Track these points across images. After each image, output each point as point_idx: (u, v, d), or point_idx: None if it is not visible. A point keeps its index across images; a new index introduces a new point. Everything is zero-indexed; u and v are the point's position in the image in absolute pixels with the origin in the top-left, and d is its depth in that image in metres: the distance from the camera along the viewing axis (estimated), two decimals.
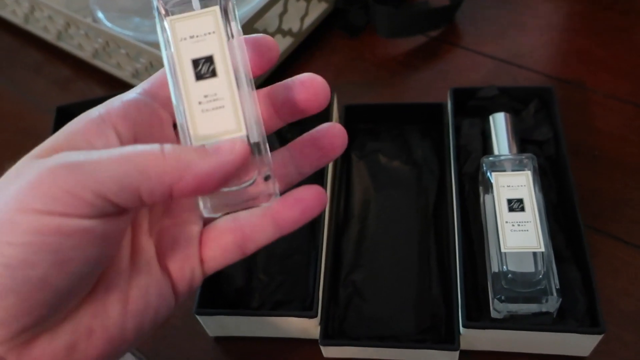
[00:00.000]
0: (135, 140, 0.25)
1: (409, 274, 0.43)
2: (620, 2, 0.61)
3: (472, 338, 0.38)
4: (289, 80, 0.26)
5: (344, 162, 0.49)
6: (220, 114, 0.24)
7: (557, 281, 0.37)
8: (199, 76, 0.25)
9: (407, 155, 0.49)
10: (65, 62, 0.65)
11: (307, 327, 0.40)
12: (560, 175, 0.44)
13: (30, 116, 0.62)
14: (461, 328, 0.37)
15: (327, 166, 0.46)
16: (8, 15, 0.67)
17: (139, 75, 0.57)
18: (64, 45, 0.63)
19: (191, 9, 0.25)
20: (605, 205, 0.46)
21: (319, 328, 0.39)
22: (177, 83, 0.25)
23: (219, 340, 0.43)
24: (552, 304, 0.37)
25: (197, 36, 0.25)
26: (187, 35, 0.25)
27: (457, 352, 0.38)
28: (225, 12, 0.25)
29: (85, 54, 0.61)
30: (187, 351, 0.43)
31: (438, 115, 0.50)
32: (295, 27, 0.59)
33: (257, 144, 0.25)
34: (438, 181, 0.47)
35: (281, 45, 0.58)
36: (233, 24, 0.26)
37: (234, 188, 0.25)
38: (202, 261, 0.27)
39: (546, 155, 0.46)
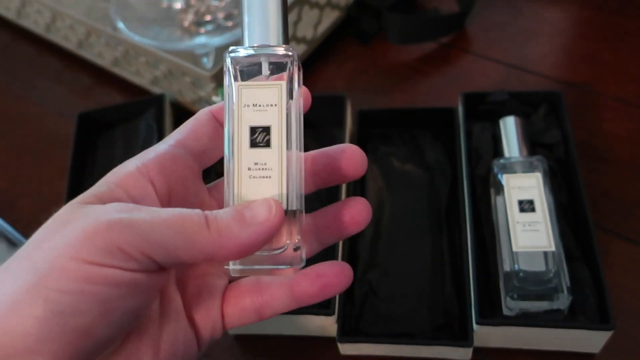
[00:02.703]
0: (170, 191, 0.27)
1: (423, 273, 0.44)
2: (628, 7, 0.62)
3: (485, 335, 0.39)
4: (330, 149, 0.29)
5: None
6: (266, 183, 0.26)
7: (567, 279, 0.38)
8: (254, 144, 0.26)
9: (419, 159, 0.51)
10: (85, 70, 0.67)
11: (324, 325, 0.41)
12: (570, 177, 0.45)
13: (51, 123, 0.64)
14: (474, 325, 0.38)
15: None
16: (30, 25, 0.69)
17: (158, 82, 0.58)
18: (84, 53, 0.65)
19: (259, 72, 0.27)
20: (614, 206, 0.47)
21: (336, 326, 0.40)
22: (231, 143, 0.27)
23: (239, 338, 0.44)
24: (563, 301, 0.38)
25: (259, 105, 0.27)
26: (250, 103, 0.27)
27: (471, 349, 0.39)
28: (290, 81, 0.27)
29: (105, 62, 0.63)
30: (208, 349, 0.44)
31: (449, 119, 0.51)
32: (309, 35, 0.60)
33: (294, 212, 0.26)
34: (450, 183, 0.48)
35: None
36: (296, 90, 0.27)
37: (264, 253, 0.26)
38: (223, 316, 0.28)
39: (556, 158, 0.48)
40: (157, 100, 0.57)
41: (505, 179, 0.43)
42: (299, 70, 0.27)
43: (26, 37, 0.72)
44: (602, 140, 0.52)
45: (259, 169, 0.26)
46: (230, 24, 0.62)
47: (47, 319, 0.22)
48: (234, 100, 0.27)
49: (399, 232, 0.46)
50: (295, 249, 0.26)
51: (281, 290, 0.28)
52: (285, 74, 0.27)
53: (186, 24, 0.63)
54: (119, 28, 0.58)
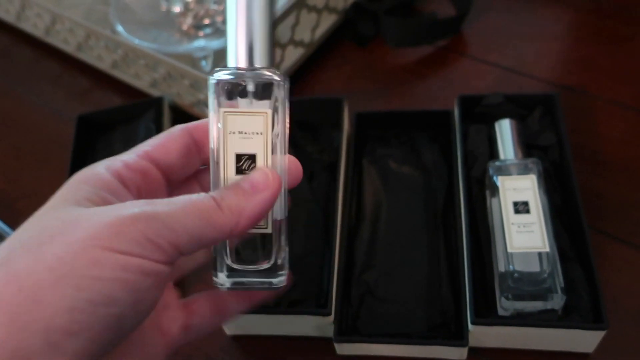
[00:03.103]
0: (138, 192, 0.28)
1: (420, 273, 0.44)
2: (623, 11, 0.63)
3: (481, 335, 0.40)
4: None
5: (355, 168, 0.51)
6: None
7: (561, 280, 0.39)
8: (239, 170, 0.28)
9: (416, 161, 0.51)
10: (84, 72, 0.67)
11: (321, 325, 0.41)
12: (565, 179, 0.46)
13: (51, 125, 0.64)
14: (470, 325, 0.39)
15: (339, 172, 0.48)
16: (30, 28, 0.70)
17: (157, 85, 0.59)
18: (84, 56, 0.66)
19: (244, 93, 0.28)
20: (608, 207, 0.48)
21: (332, 326, 0.41)
22: (217, 168, 0.28)
23: (236, 338, 0.44)
24: (557, 301, 0.38)
25: (245, 133, 0.28)
26: (236, 130, 0.27)
27: (466, 349, 0.39)
28: (276, 111, 0.28)
29: (104, 65, 0.64)
30: (206, 349, 0.45)
31: (446, 121, 0.51)
32: (307, 38, 0.61)
33: (281, 222, 0.28)
34: (446, 185, 0.49)
35: (293, 55, 0.60)
36: (280, 115, 0.28)
37: (250, 267, 0.28)
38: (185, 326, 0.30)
39: (551, 160, 0.48)
40: (156, 103, 0.57)
41: (501, 181, 0.44)
42: (286, 93, 0.28)
43: (26, 40, 0.72)
44: (597, 143, 0.52)
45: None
46: None
47: (77, 310, 0.21)
48: (220, 126, 0.27)
49: (396, 233, 0.47)
50: (280, 265, 0.28)
51: (206, 308, 0.31)
52: (270, 102, 0.27)
53: (185, 27, 0.63)
54: (118, 31, 0.59)
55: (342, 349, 0.41)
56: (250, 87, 0.27)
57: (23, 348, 0.21)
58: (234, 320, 0.43)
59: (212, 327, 0.32)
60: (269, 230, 0.28)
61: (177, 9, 0.64)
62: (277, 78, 0.27)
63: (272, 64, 0.28)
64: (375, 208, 0.48)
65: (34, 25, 0.69)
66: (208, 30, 0.63)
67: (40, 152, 0.61)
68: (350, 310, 0.43)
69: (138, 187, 0.28)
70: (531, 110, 0.51)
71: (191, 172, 0.31)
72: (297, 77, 0.62)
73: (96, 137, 0.58)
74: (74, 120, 0.58)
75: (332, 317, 0.40)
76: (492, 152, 0.48)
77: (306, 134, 0.53)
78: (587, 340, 0.39)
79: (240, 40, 0.28)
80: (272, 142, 0.28)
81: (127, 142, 0.56)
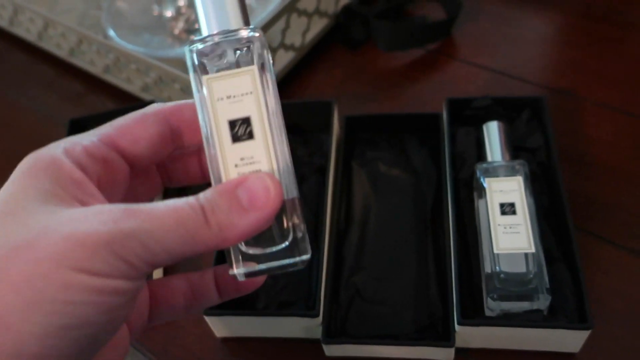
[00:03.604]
0: (99, 183, 0.25)
1: (408, 275, 0.45)
2: (612, 14, 0.64)
3: (467, 335, 0.40)
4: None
5: (345, 171, 0.51)
6: None
7: (547, 280, 0.39)
8: (236, 138, 0.25)
9: (405, 163, 0.51)
10: (77, 77, 0.68)
11: (310, 326, 0.41)
12: (551, 180, 0.46)
13: (44, 130, 0.64)
14: (456, 325, 0.39)
15: (329, 175, 0.48)
16: (22, 32, 0.70)
17: (149, 89, 0.59)
18: (76, 61, 0.66)
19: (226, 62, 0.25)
20: (596, 209, 0.48)
21: (321, 328, 0.41)
22: (212, 142, 0.25)
23: (226, 341, 0.45)
24: (543, 302, 0.39)
25: (234, 96, 0.25)
26: (224, 96, 0.25)
27: (453, 349, 0.40)
28: (262, 68, 0.25)
29: (96, 70, 0.64)
30: (196, 351, 0.45)
31: (435, 124, 0.52)
32: (297, 42, 0.61)
33: (292, 200, 0.25)
34: (435, 187, 0.49)
35: (284, 59, 0.60)
36: (269, 77, 0.25)
37: (269, 250, 0.25)
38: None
39: (538, 162, 0.48)
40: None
41: (488, 183, 0.44)
42: (267, 50, 0.25)
43: (19, 45, 0.72)
44: (586, 145, 0.53)
45: (247, 164, 0.24)
46: None
47: (49, 336, 0.20)
48: (205, 94, 0.25)
49: (385, 236, 0.47)
50: (301, 239, 0.25)
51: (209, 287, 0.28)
52: (254, 57, 0.25)
53: (177, 31, 0.63)
54: (110, 36, 0.59)
55: (331, 350, 0.41)
56: (230, 53, 0.25)
57: None
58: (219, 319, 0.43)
59: (184, 314, 0.29)
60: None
61: (169, 13, 0.65)
62: (257, 34, 0.25)
63: (248, 22, 0.26)
64: (364, 211, 0.49)
65: (26, 30, 0.69)
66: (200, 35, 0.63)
67: None
68: (339, 312, 0.43)
69: (99, 176, 0.25)
70: (519, 112, 0.51)
71: (160, 160, 0.28)
72: (288, 81, 0.63)
73: None
74: (67, 125, 0.58)
75: (320, 319, 0.41)
76: (480, 154, 0.49)
77: (296, 138, 0.54)
78: (572, 340, 0.39)
79: (210, 4, 0.26)
80: (265, 100, 0.25)
81: None
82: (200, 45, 0.25)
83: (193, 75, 0.25)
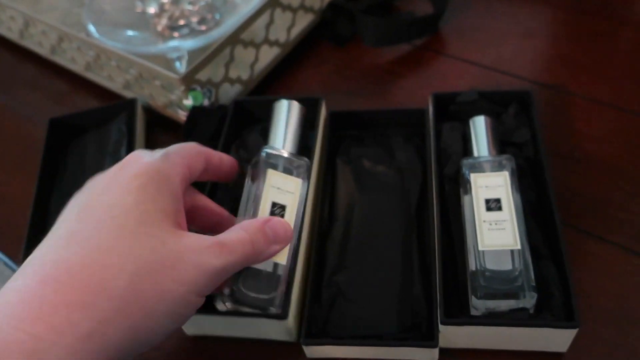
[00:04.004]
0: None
1: (392, 274, 0.43)
2: (602, 8, 0.63)
3: (452, 335, 0.39)
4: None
5: (329, 168, 0.50)
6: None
7: (533, 278, 0.38)
8: (272, 213, 0.39)
9: (390, 160, 0.50)
10: (60, 75, 0.67)
11: (283, 328, 0.40)
12: (539, 176, 0.45)
13: (27, 129, 0.63)
14: (440, 325, 0.38)
15: (312, 171, 0.47)
16: (4, 31, 0.69)
17: (130, 87, 0.58)
18: (58, 59, 0.65)
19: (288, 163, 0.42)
20: (585, 204, 0.47)
21: (294, 330, 0.40)
22: (250, 209, 0.39)
23: (197, 339, 0.43)
24: (529, 300, 0.38)
25: (281, 189, 0.40)
26: (276, 186, 0.40)
27: (437, 350, 0.38)
28: (307, 177, 0.42)
29: (78, 68, 0.63)
30: (166, 349, 0.43)
31: (420, 120, 0.51)
32: (282, 38, 0.60)
33: (285, 267, 0.38)
34: (420, 184, 0.48)
35: (268, 55, 0.59)
36: (305, 186, 0.42)
37: (258, 296, 0.37)
38: None
39: (525, 157, 0.47)
40: (129, 105, 0.56)
41: (473, 178, 0.43)
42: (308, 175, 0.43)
43: (1, 44, 0.71)
44: (575, 140, 0.52)
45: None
46: (203, 27, 0.62)
47: (162, 335, 0.31)
48: (266, 180, 0.40)
49: (369, 234, 0.46)
50: (281, 299, 0.38)
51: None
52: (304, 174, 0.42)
53: (160, 28, 0.62)
54: (90, 32, 0.58)
55: (312, 351, 0.40)
56: (280, 165, 0.42)
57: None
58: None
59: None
60: (284, 262, 0.38)
61: (152, 10, 0.64)
62: (304, 163, 0.43)
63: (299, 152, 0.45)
64: (348, 208, 0.48)
65: (8, 28, 0.68)
66: (183, 31, 0.62)
67: (15, 157, 0.61)
68: (321, 312, 0.42)
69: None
70: (506, 107, 0.50)
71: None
72: (274, 77, 0.62)
73: (69, 141, 0.57)
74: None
75: (289, 322, 0.39)
76: (466, 149, 0.48)
77: None
78: (559, 339, 0.38)
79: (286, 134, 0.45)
80: (298, 202, 0.40)
81: (99, 146, 0.55)
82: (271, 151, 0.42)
83: (264, 164, 0.41)
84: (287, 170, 0.41)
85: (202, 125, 0.53)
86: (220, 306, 0.38)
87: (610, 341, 0.39)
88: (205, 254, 0.30)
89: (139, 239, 0.28)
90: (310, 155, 0.49)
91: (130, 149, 0.53)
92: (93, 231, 0.28)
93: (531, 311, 0.38)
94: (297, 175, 0.41)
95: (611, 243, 0.44)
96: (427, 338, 0.39)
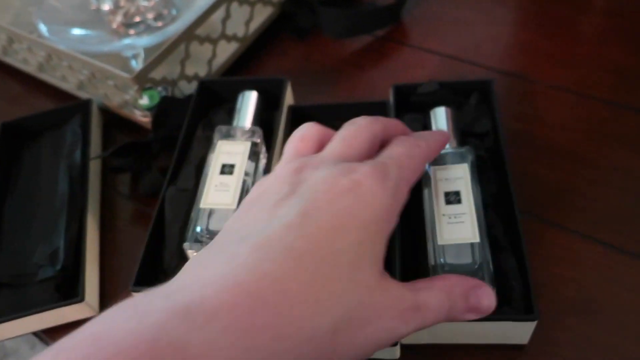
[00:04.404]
0: None
1: None
2: None
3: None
4: None
5: None
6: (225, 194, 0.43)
7: (492, 270, 0.38)
8: (222, 172, 0.43)
9: None
10: (14, 77, 0.65)
11: None
12: (499, 167, 0.45)
13: None
14: None
15: (272, 163, 0.46)
16: None
17: (84, 87, 0.56)
18: (11, 60, 0.63)
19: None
20: (546, 193, 0.46)
21: None
22: (206, 175, 0.44)
23: None
24: None
25: (230, 152, 0.44)
26: (225, 151, 0.44)
27: (398, 347, 0.38)
28: (255, 145, 0.45)
29: (31, 69, 0.61)
30: None
31: (382, 112, 0.50)
32: (241, 32, 0.59)
33: None
34: None
35: (227, 50, 0.58)
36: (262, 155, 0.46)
37: None
38: None
39: (486, 147, 0.47)
40: (84, 106, 0.55)
41: (433, 171, 0.42)
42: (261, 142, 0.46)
43: None
44: (537, 128, 0.51)
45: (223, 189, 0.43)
46: (159, 24, 0.60)
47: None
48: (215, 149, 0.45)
49: None
50: None
51: None
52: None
53: (115, 25, 0.61)
54: (41, 32, 0.56)
55: None
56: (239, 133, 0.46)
57: None
58: None
59: None
60: None
61: (106, 7, 0.62)
62: (256, 129, 0.47)
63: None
64: None
65: None
66: (139, 28, 0.60)
67: None
68: None
69: None
70: (467, 97, 0.50)
71: None
72: (234, 72, 0.60)
73: (22, 145, 0.55)
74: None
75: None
76: None
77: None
78: (520, 331, 0.37)
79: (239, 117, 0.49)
80: (247, 159, 0.45)
81: (54, 149, 0.54)
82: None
83: (216, 137, 0.47)
84: (236, 138, 0.46)
85: (172, 116, 0.51)
86: None
87: (572, 331, 0.39)
88: (399, 318, 0.27)
89: (351, 286, 0.25)
90: (273, 135, 0.48)
91: (85, 151, 0.52)
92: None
93: None
94: (245, 140, 0.45)
95: (571, 231, 0.44)
96: None
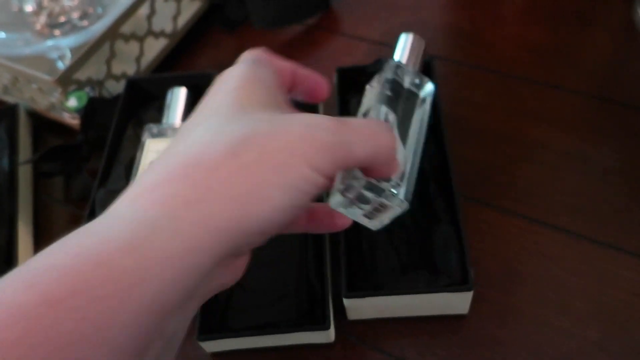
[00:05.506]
0: None
1: (289, 262, 0.43)
2: None
3: (358, 308, 0.40)
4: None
5: None
6: None
7: (412, 191, 0.35)
8: None
9: None
10: None
11: None
12: (440, 146, 0.46)
13: None
14: (344, 300, 0.38)
15: None
16: None
17: (9, 91, 0.55)
18: None
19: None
20: (472, 172, 0.48)
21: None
22: (134, 174, 0.42)
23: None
24: (396, 203, 0.31)
25: (159, 151, 0.43)
26: (154, 150, 0.45)
27: (331, 331, 0.39)
28: None
29: None
30: None
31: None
32: (169, 28, 0.58)
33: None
34: None
35: (155, 47, 0.57)
36: None
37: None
38: None
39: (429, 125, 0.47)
40: (10, 111, 0.54)
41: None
42: None
43: None
44: (462, 108, 0.53)
45: None
46: (85, 23, 0.59)
47: (278, 210, 0.24)
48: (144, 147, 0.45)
49: None
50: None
51: None
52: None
53: (39, 27, 0.59)
54: None
55: (210, 346, 0.40)
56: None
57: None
58: None
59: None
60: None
61: (29, 8, 0.60)
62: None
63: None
64: None
65: None
66: (64, 28, 0.59)
67: None
68: (219, 305, 0.42)
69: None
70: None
71: None
72: (166, 69, 0.60)
73: None
74: None
75: None
76: None
77: None
78: (459, 302, 0.39)
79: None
80: None
81: None
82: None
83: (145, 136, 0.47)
84: (166, 136, 0.45)
85: (100, 116, 0.51)
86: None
87: (500, 302, 0.41)
88: (313, 128, 0.25)
89: (238, 117, 0.25)
90: None
91: (12, 156, 0.51)
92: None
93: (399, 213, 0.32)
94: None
95: (495, 207, 0.46)
96: (322, 321, 0.40)
